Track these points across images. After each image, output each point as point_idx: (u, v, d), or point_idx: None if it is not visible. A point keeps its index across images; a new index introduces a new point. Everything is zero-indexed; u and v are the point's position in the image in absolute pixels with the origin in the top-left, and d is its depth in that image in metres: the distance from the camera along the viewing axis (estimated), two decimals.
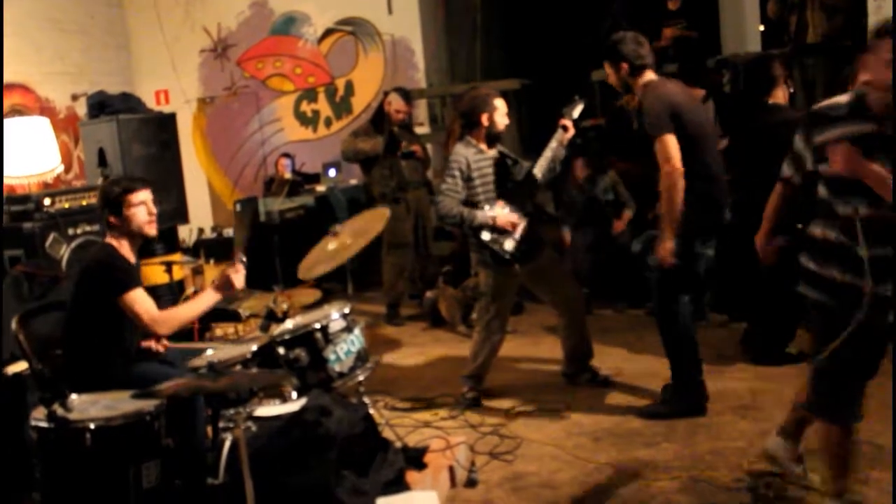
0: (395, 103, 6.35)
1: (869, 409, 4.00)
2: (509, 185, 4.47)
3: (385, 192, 6.30)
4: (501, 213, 4.37)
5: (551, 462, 3.82)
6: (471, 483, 3.63)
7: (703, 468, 3.59)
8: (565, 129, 4.50)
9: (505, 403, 4.55)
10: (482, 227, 4.35)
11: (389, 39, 8.60)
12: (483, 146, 4.49)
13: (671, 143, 3.94)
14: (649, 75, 4.11)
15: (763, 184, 4.06)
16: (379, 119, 6.41)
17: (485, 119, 4.44)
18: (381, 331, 6.29)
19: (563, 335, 4.77)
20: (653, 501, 3.37)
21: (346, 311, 3.63)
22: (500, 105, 4.48)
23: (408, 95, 6.57)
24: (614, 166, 6.65)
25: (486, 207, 4.40)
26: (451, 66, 8.94)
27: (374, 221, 3.96)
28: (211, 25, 9.32)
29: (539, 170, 4.46)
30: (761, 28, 7.63)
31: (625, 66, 4.09)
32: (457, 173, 4.40)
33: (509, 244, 4.38)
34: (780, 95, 4.62)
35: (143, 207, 3.48)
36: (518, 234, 4.40)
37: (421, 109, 8.40)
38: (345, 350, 3.55)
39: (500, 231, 4.37)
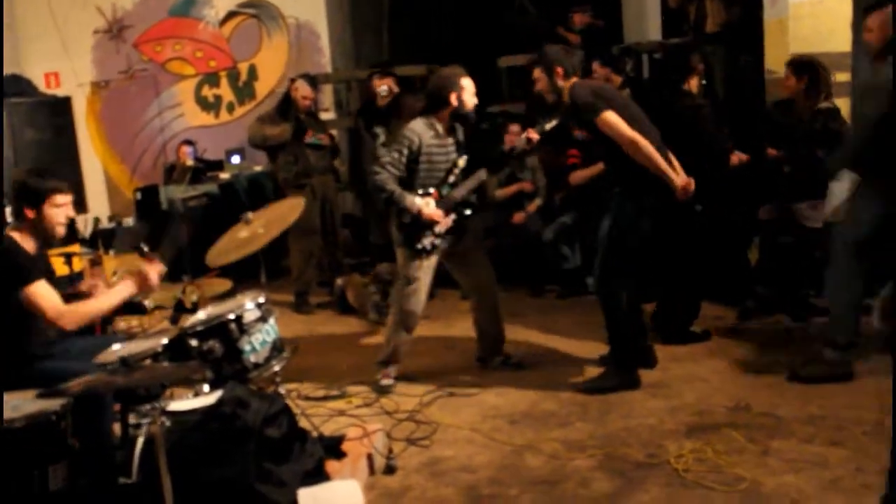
0: (302, 90, 6.25)
1: (767, 384, 4.23)
2: (451, 180, 4.48)
3: (288, 178, 6.22)
4: (429, 205, 4.38)
5: (468, 446, 3.85)
6: (389, 470, 3.62)
7: (618, 445, 3.68)
8: (530, 140, 4.59)
9: (420, 389, 4.55)
10: (406, 212, 4.34)
11: (294, 23, 8.45)
12: (443, 130, 4.43)
13: (612, 117, 4.07)
14: (576, 79, 4.30)
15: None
16: (285, 105, 6.31)
17: (453, 99, 4.38)
18: (292, 319, 6.20)
19: (477, 320, 4.80)
20: (569, 480, 3.44)
21: (261, 300, 3.56)
22: (467, 84, 4.43)
23: (314, 81, 6.49)
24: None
25: (420, 193, 4.39)
26: (357, 50, 8.85)
27: (288, 210, 3.88)
28: (104, 5, 8.95)
29: (486, 172, 4.57)
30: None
31: (560, 70, 4.24)
32: (405, 150, 4.35)
33: (426, 237, 4.40)
34: (693, 84, 4.78)
35: (63, 210, 3.42)
36: (439, 229, 4.43)
37: (326, 95, 8.29)
38: (260, 340, 3.47)
39: (422, 222, 4.37)
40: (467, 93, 4.41)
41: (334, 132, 6.85)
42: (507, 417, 4.13)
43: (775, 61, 5.52)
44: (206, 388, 3.38)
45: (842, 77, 5.46)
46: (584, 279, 6.38)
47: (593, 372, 4.61)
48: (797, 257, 5.17)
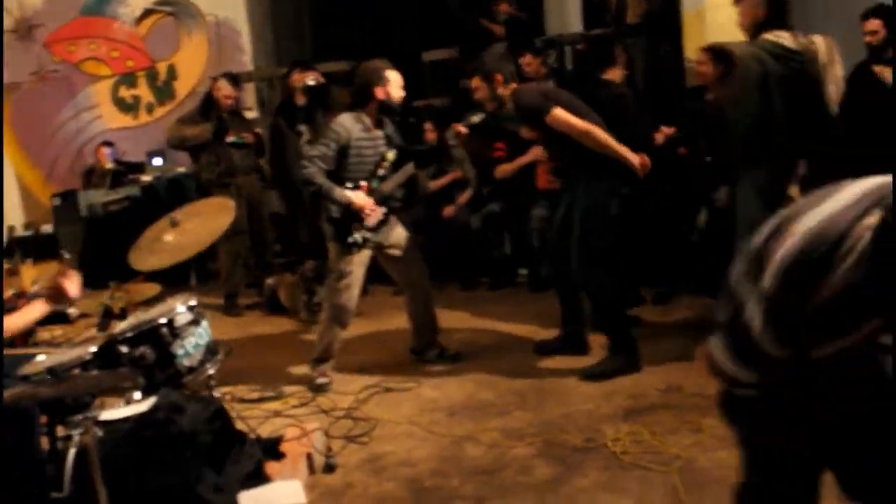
0: (224, 89, 6.15)
1: (696, 366, 4.34)
2: (380, 173, 4.47)
3: (212, 179, 6.12)
4: (360, 197, 4.36)
5: (408, 440, 3.85)
6: (329, 468, 3.59)
7: (556, 432, 3.74)
8: (458, 134, 4.64)
9: (356, 386, 4.53)
10: (337, 204, 4.33)
11: (213, 21, 8.28)
12: (371, 124, 4.41)
13: (561, 112, 4.18)
14: (515, 85, 4.41)
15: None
16: (207, 105, 6.20)
17: (379, 92, 4.37)
18: (222, 322, 6.10)
19: (411, 313, 4.80)
20: (510, 468, 3.47)
21: (193, 303, 3.48)
22: (393, 77, 4.41)
23: (236, 80, 6.39)
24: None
25: (349, 185, 4.36)
26: (279, 48, 8.73)
27: (218, 214, 3.80)
28: (11, 3, 8.60)
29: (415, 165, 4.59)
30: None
31: (499, 77, 4.33)
32: (333, 144, 4.32)
33: (357, 231, 4.38)
34: (616, 74, 4.87)
35: None
36: (369, 222, 4.41)
37: (249, 94, 8.15)
38: (193, 344, 3.40)
39: (353, 215, 4.35)
40: (393, 85, 4.40)
41: (259, 131, 6.75)
42: (445, 410, 4.14)
43: (694, 51, 5.65)
44: (137, 395, 3.29)
45: None
46: (516, 269, 6.46)
47: (528, 360, 4.67)
48: (719, 242, 5.33)
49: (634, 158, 4.26)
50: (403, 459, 3.66)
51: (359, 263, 4.47)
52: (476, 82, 4.43)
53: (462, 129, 4.60)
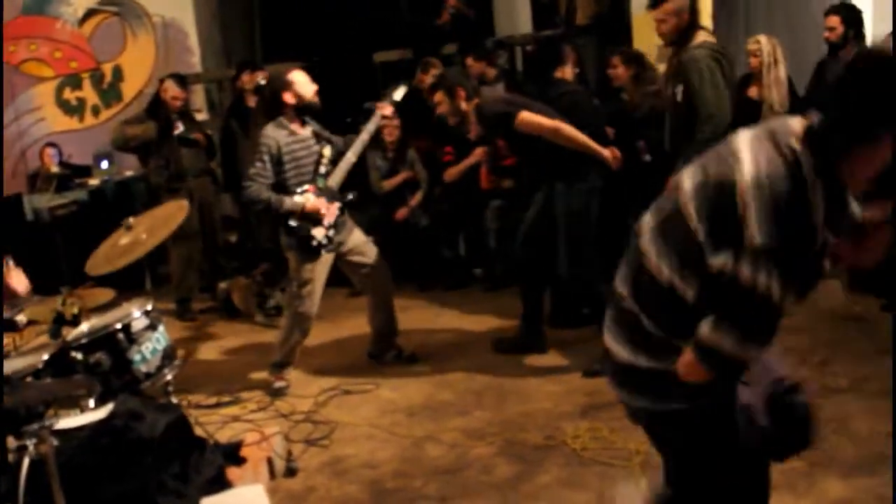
0: (171, 90, 6.06)
1: None
2: (322, 171, 4.44)
3: (161, 183, 6.02)
4: (310, 199, 4.33)
5: (368, 442, 3.85)
6: (290, 472, 3.57)
7: (516, 430, 3.77)
8: (384, 115, 4.62)
9: (314, 389, 4.51)
10: (290, 213, 4.29)
11: (160, 21, 8.13)
12: (296, 127, 4.39)
13: (528, 115, 4.23)
14: (478, 100, 4.47)
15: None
16: (155, 107, 6.09)
17: (288, 97, 4.34)
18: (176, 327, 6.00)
19: (372, 317, 4.80)
20: (472, 467, 3.49)
21: (149, 307, 3.43)
22: (298, 77, 4.38)
23: (184, 81, 6.29)
24: (412, 144, 6.73)
25: (298, 192, 4.34)
26: (228, 49, 8.62)
27: (171, 214, 3.75)
28: None
29: (354, 153, 4.50)
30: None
31: (462, 92, 4.40)
32: (266, 157, 4.29)
33: (318, 232, 4.36)
34: (567, 73, 4.93)
35: None
36: (328, 221, 4.38)
37: (198, 95, 8.04)
38: (150, 349, 3.35)
39: (309, 218, 4.32)
40: (300, 85, 4.37)
41: (209, 132, 6.66)
42: (405, 411, 4.15)
43: (644, 51, 5.75)
44: (91, 402, 3.23)
45: None
46: (471, 269, 6.48)
47: (486, 359, 4.69)
48: None
49: (605, 152, 4.33)
50: (365, 461, 3.66)
51: (320, 270, 4.45)
52: (439, 97, 4.46)
53: (387, 109, 4.60)
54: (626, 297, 1.96)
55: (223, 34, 8.59)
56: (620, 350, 1.98)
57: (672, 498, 2.13)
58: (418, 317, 5.65)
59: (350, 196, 4.54)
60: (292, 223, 4.34)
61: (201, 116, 7.64)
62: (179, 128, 6.05)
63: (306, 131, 4.44)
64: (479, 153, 6.02)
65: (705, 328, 1.75)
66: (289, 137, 4.36)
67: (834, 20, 5.30)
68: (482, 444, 3.67)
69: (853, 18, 5.30)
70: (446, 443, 3.73)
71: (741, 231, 1.64)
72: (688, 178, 1.82)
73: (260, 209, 4.42)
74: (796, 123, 1.73)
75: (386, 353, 4.83)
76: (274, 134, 4.33)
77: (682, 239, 1.79)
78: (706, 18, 5.52)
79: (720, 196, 1.71)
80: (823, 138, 1.65)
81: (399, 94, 4.63)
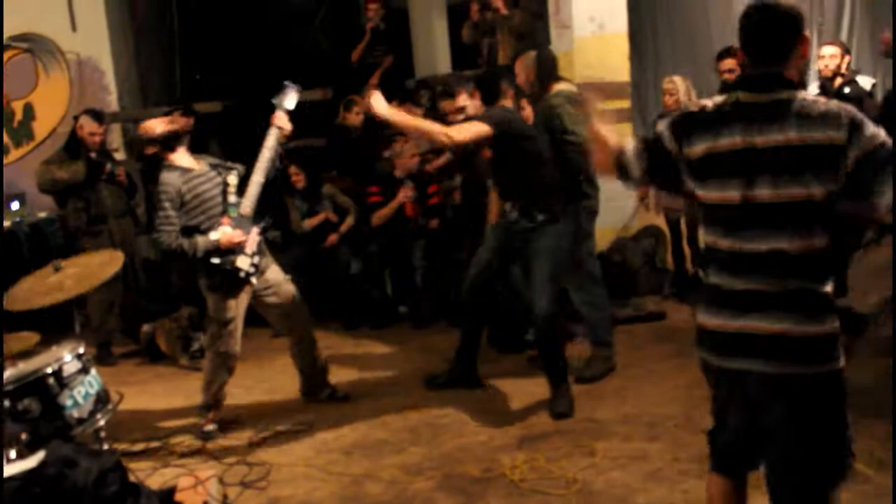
0: (88, 126, 5.93)
1: (584, 390, 4.51)
2: (232, 200, 4.34)
3: (81, 226, 5.86)
4: (226, 232, 4.24)
5: (306, 482, 3.80)
6: None
7: (454, 464, 3.79)
8: (279, 126, 4.42)
9: (247, 431, 4.43)
10: (209, 253, 4.22)
11: (75, 59, 7.96)
12: (184, 163, 4.31)
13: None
14: None
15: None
16: (74, 145, 5.95)
17: (149, 150, 4.38)
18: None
19: (296, 357, 4.75)
20: (412, 502, 3.49)
21: (81, 350, 3.33)
22: (148, 125, 4.35)
23: (100, 117, 6.17)
24: (333, 181, 6.75)
25: (212, 230, 4.25)
26: (146, 88, 8.50)
27: (104, 265, 3.66)
28: None
29: (260, 173, 4.34)
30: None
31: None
32: (167, 204, 4.20)
33: (242, 261, 4.28)
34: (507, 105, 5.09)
35: None
36: (249, 248, 4.32)
37: (115, 135, 7.88)
38: (83, 393, 3.25)
39: (230, 251, 4.26)
40: (148, 130, 4.32)
41: (128, 172, 6.53)
42: (341, 450, 4.12)
43: None
44: (12, 453, 3.09)
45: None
46: (397, 307, 6.50)
47: (418, 396, 4.71)
48: None
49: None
50: (303, 502, 3.62)
51: (240, 308, 4.37)
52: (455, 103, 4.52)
53: (283, 117, 4.41)
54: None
55: (141, 73, 8.46)
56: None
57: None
58: (347, 356, 5.63)
59: (267, 221, 4.46)
60: (215, 261, 4.23)
61: (119, 156, 7.50)
62: (108, 168, 5.94)
63: (202, 165, 4.38)
64: (406, 192, 6.09)
65: None
66: (184, 176, 4.26)
67: (730, 63, 5.53)
68: (421, 480, 3.68)
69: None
70: (385, 480, 3.72)
71: None
72: None
73: (177, 256, 4.30)
74: None
75: (320, 392, 4.79)
76: (168, 178, 4.24)
77: None
78: (623, 59, 5.77)
79: None
80: None
81: (290, 101, 4.44)
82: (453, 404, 4.54)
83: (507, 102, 5.06)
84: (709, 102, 2.31)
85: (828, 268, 2.19)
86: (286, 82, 4.47)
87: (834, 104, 2.17)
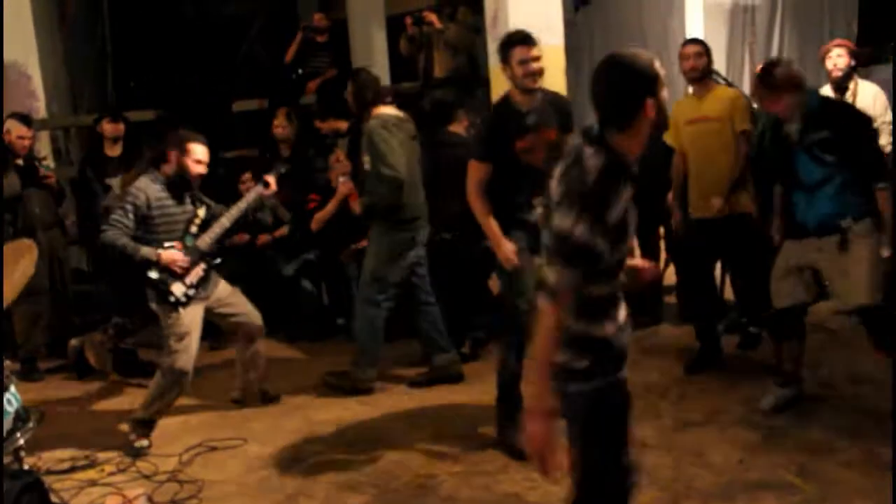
0: (16, 130, 5.74)
1: None
2: (193, 231, 4.39)
3: (7, 240, 5.63)
4: (170, 252, 4.26)
5: (238, 499, 3.74)
6: None
7: (389, 479, 3.75)
8: (267, 184, 4.63)
9: (178, 447, 4.32)
10: (148, 263, 4.19)
11: None
12: (166, 187, 4.33)
13: None
14: None
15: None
16: (2, 154, 5.74)
17: (172, 157, 4.31)
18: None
19: (244, 363, 4.76)
20: None
21: None
22: (195, 150, 4.32)
23: (28, 121, 5.99)
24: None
25: (165, 246, 4.27)
26: (76, 94, 8.28)
27: (18, 264, 3.53)
28: None
29: (229, 219, 4.50)
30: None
31: None
32: (130, 207, 4.21)
33: (177, 288, 4.28)
34: (459, 127, 5.32)
35: None
36: (190, 279, 4.31)
37: (43, 143, 7.64)
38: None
39: (170, 272, 4.24)
40: (191, 157, 4.32)
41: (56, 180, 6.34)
42: (274, 466, 4.06)
43: None
44: None
45: None
46: (334, 318, 6.43)
47: (354, 410, 4.67)
48: None
49: None
50: None
51: (193, 322, 4.36)
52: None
53: (272, 179, 4.65)
54: None
55: (70, 79, 8.25)
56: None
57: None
58: (285, 368, 5.55)
59: (217, 261, 4.50)
60: (152, 275, 4.24)
61: (48, 164, 7.28)
62: (42, 171, 5.77)
63: (183, 192, 4.40)
64: (345, 186, 6.03)
65: None
66: (163, 192, 4.31)
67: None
68: (356, 495, 3.64)
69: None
70: (319, 497, 3.67)
71: None
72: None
73: (115, 255, 4.29)
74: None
75: (254, 397, 4.82)
76: (145, 186, 4.28)
77: None
78: (559, 74, 5.82)
79: None
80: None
81: (281, 171, 4.80)
82: (390, 417, 4.52)
83: (458, 126, 5.16)
84: None
85: None
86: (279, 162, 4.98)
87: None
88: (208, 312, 4.49)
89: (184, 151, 4.31)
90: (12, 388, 3.26)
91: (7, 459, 3.27)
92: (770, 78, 3.89)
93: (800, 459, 3.52)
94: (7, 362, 3.34)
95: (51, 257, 5.86)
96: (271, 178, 4.64)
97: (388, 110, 4.81)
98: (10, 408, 3.20)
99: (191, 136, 4.39)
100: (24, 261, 3.57)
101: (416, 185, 4.82)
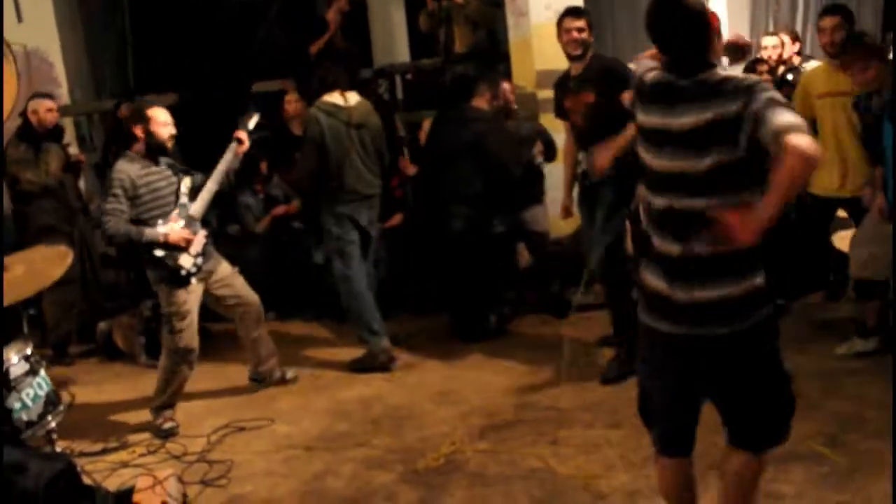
0: (42, 105, 5.76)
1: (545, 379, 4.52)
2: (184, 201, 4.39)
3: (49, 223, 5.65)
4: (174, 228, 4.28)
5: (267, 479, 3.76)
6: None
7: (416, 457, 3.77)
8: (240, 141, 4.56)
9: (206, 427, 4.36)
10: (154, 244, 4.23)
11: (22, 51, 7.74)
12: (149, 161, 4.33)
13: None
14: None
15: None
16: (30, 133, 5.76)
17: (139, 131, 4.31)
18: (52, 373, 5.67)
19: (245, 341, 4.77)
20: (376, 496, 3.47)
21: (28, 352, 3.25)
22: (156, 115, 4.33)
23: (51, 96, 6.06)
24: (280, 173, 6.67)
25: (160, 223, 4.27)
26: (98, 80, 8.31)
27: (51, 262, 3.56)
28: None
29: (214, 181, 4.47)
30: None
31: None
32: (119, 192, 4.22)
33: (185, 260, 4.31)
34: (482, 102, 5.22)
35: None
36: (194, 249, 4.33)
37: (68, 129, 7.68)
38: (32, 396, 3.17)
39: (175, 247, 4.26)
40: (156, 123, 4.33)
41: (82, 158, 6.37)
42: (302, 444, 4.08)
43: (522, 77, 5.94)
44: None
45: None
46: None
47: (381, 388, 4.69)
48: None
49: None
50: (265, 499, 3.58)
51: (193, 300, 4.38)
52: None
53: (243, 134, 4.56)
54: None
55: (92, 65, 8.27)
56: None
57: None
58: (310, 348, 5.58)
59: (213, 227, 4.53)
60: (158, 253, 4.27)
61: (72, 150, 7.32)
62: (74, 155, 5.84)
63: (161, 165, 4.41)
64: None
65: None
66: (142, 170, 4.30)
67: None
68: (383, 473, 3.65)
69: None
70: (346, 474, 3.69)
71: None
72: None
73: (122, 243, 4.37)
74: None
75: (269, 377, 4.82)
76: (125, 167, 4.28)
77: None
78: None
79: None
80: None
81: (252, 122, 4.66)
82: (416, 395, 4.52)
83: (480, 101, 5.14)
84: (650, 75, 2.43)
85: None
86: (250, 105, 4.83)
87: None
88: (207, 294, 4.49)
89: (146, 121, 4.30)
90: (42, 373, 3.31)
91: (40, 442, 3.33)
92: (862, 46, 3.82)
93: (829, 430, 3.49)
94: (29, 348, 3.37)
95: (81, 245, 5.88)
96: (242, 134, 4.57)
97: (331, 98, 4.98)
98: (41, 392, 3.25)
99: (145, 104, 4.46)
100: (56, 269, 3.58)
101: (355, 167, 4.96)
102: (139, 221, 4.26)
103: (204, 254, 4.39)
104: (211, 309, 4.70)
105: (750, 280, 2.30)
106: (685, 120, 2.27)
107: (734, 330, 2.30)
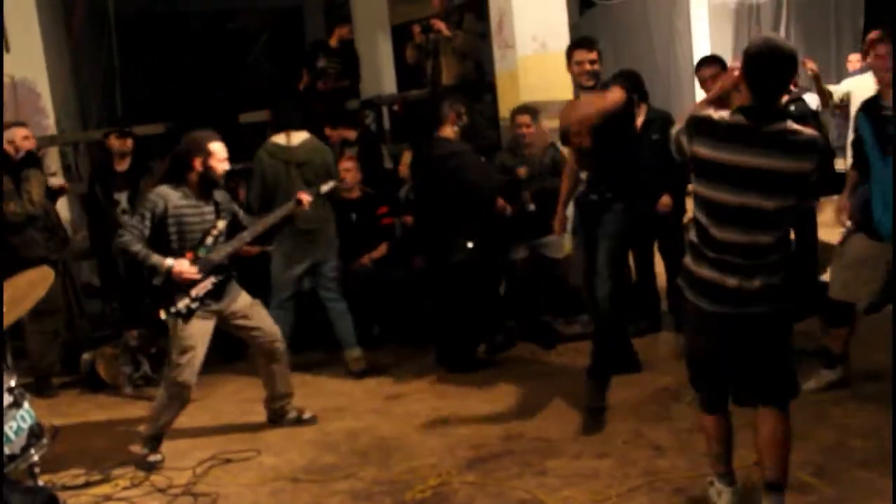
0: (18, 133, 5.74)
1: (534, 410, 4.51)
2: (209, 242, 4.32)
3: (39, 254, 5.61)
4: (181, 264, 4.20)
5: None
6: None
7: (403, 489, 3.73)
8: (299, 202, 4.58)
9: (192, 460, 4.31)
10: (156, 271, 4.18)
11: (9, 82, 7.73)
12: (192, 193, 4.28)
13: None
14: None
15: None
16: (5, 162, 5.73)
17: (197, 164, 4.24)
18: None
19: (263, 378, 4.67)
20: None
21: (12, 384, 3.22)
22: (217, 150, 4.28)
23: (23, 124, 6.05)
24: None
25: (170, 258, 4.21)
26: (85, 111, 8.32)
27: (33, 285, 3.54)
28: None
29: (251, 234, 4.45)
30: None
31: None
32: (147, 213, 4.20)
33: (181, 301, 4.23)
34: (448, 131, 5.16)
35: None
36: (195, 292, 4.26)
37: (53, 158, 7.67)
38: (15, 428, 3.13)
39: (176, 283, 4.20)
40: (216, 158, 4.28)
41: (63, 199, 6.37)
42: (289, 476, 4.04)
43: (508, 108, 6.00)
44: None
45: None
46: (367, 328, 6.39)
47: (368, 419, 4.67)
48: (545, 289, 5.63)
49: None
50: None
51: (200, 336, 4.29)
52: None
53: (306, 198, 4.59)
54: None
55: (80, 95, 8.28)
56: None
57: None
58: (296, 378, 5.52)
59: (228, 275, 4.39)
60: (156, 281, 4.22)
61: (57, 181, 7.29)
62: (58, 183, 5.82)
63: (204, 201, 4.33)
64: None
65: None
66: (182, 200, 4.25)
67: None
68: None
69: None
70: None
71: None
72: None
73: (130, 259, 4.32)
74: None
75: (286, 416, 4.71)
76: (165, 193, 4.25)
77: None
78: (565, 78, 5.80)
79: None
80: None
81: (326, 187, 4.84)
82: (403, 426, 4.50)
83: (448, 126, 5.13)
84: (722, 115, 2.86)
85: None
86: (333, 172, 5.42)
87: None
88: (223, 323, 4.43)
89: (207, 155, 4.25)
90: (26, 405, 3.27)
91: (22, 476, 3.28)
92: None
93: (817, 460, 3.50)
94: (13, 380, 3.33)
95: (65, 275, 5.85)
96: (305, 196, 4.58)
97: (277, 138, 5.45)
98: (24, 424, 3.21)
99: (207, 136, 4.32)
100: (38, 290, 3.56)
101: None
102: (161, 248, 4.21)
103: (204, 298, 4.28)
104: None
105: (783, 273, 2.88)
106: (760, 161, 2.75)
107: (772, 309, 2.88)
